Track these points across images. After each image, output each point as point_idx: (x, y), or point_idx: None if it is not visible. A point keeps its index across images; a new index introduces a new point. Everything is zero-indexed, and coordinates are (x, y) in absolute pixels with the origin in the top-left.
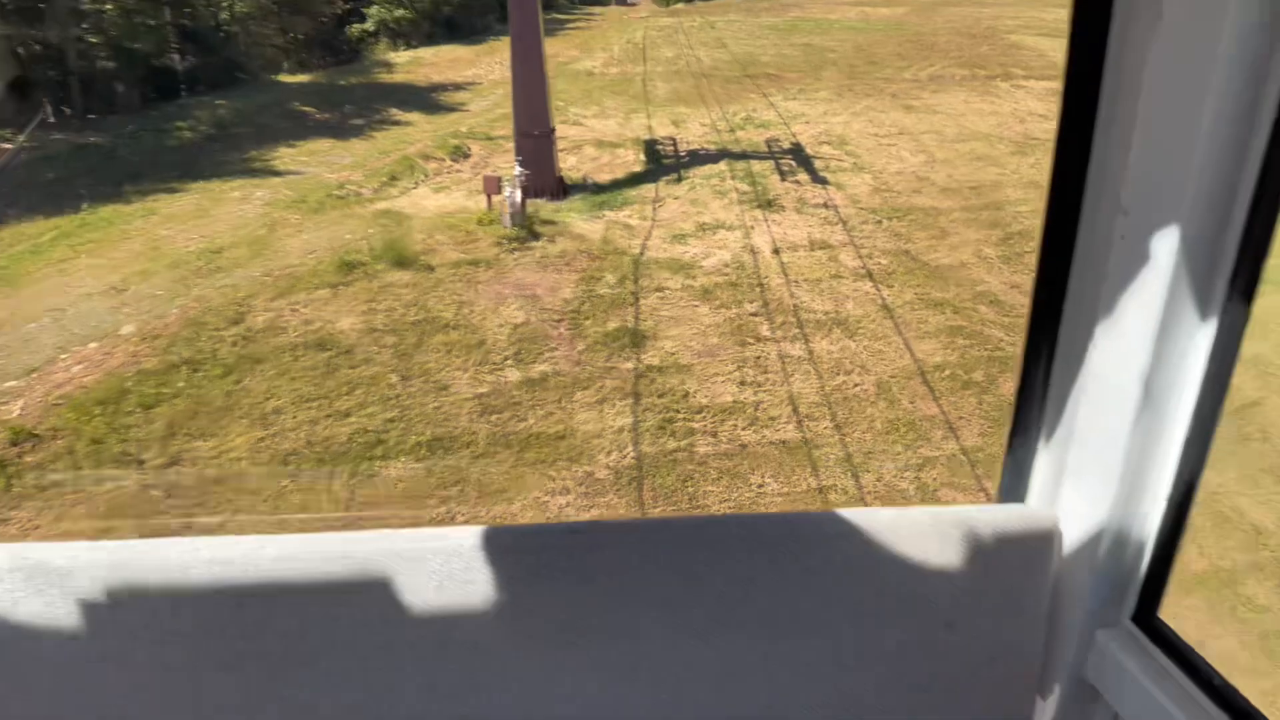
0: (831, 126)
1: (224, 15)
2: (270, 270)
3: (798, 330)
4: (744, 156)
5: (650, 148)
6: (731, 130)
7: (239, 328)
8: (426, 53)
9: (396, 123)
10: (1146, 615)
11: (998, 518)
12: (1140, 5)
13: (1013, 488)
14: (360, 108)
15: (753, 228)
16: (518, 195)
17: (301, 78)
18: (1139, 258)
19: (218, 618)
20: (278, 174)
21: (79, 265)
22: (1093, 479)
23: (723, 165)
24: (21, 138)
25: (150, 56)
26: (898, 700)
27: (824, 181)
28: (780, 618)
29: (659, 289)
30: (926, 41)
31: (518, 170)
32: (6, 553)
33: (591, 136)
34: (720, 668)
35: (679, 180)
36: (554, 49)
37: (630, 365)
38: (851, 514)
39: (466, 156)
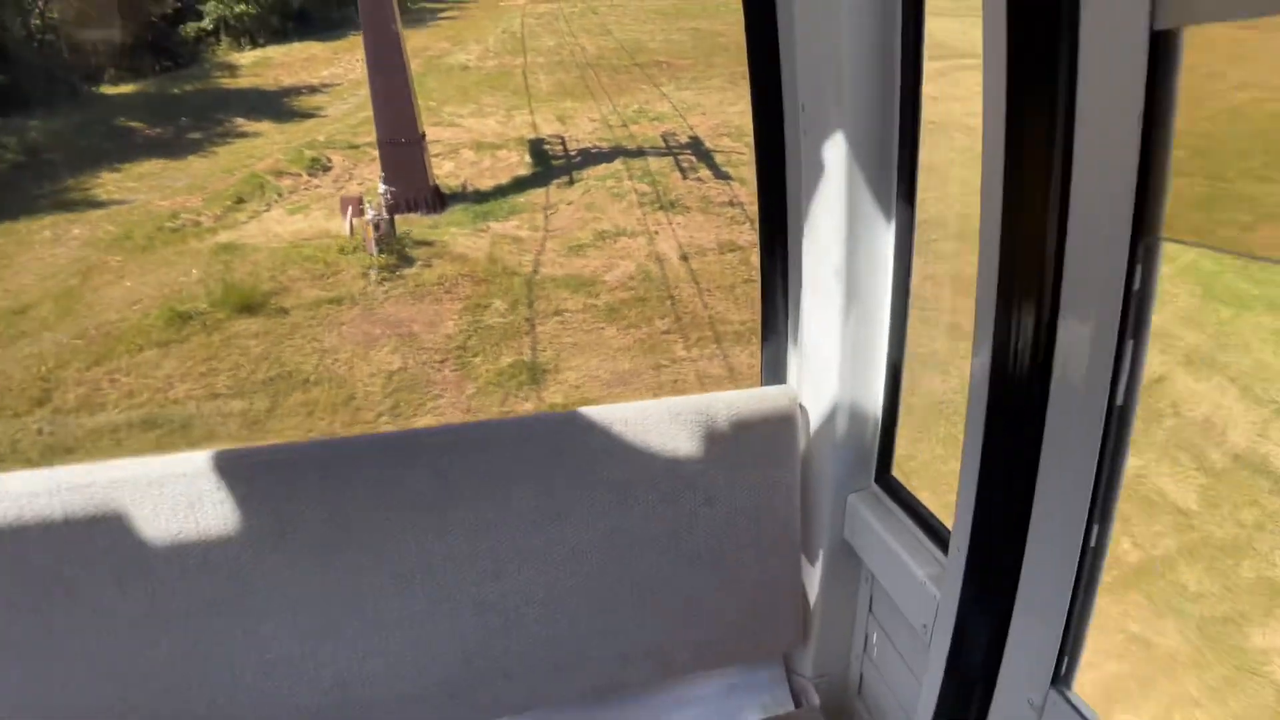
0: (729, 117)
1: (35, 23)
2: (84, 330)
3: (715, 346)
4: (640, 154)
5: (537, 148)
6: (624, 125)
7: (44, 410)
8: (276, 52)
9: (242, 134)
10: (884, 476)
11: (743, 400)
12: None
13: (769, 374)
14: (198, 119)
15: (657, 233)
16: (384, 215)
17: (127, 88)
18: (819, 163)
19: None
20: (98, 205)
21: None
22: (823, 362)
23: (618, 164)
24: None
25: None
26: (673, 574)
27: (727, 177)
28: (548, 510)
29: (558, 312)
30: None
31: (382, 187)
32: None
33: (470, 138)
34: (492, 562)
35: (571, 183)
36: (423, 42)
37: (530, 406)
38: (610, 409)
39: (327, 169)
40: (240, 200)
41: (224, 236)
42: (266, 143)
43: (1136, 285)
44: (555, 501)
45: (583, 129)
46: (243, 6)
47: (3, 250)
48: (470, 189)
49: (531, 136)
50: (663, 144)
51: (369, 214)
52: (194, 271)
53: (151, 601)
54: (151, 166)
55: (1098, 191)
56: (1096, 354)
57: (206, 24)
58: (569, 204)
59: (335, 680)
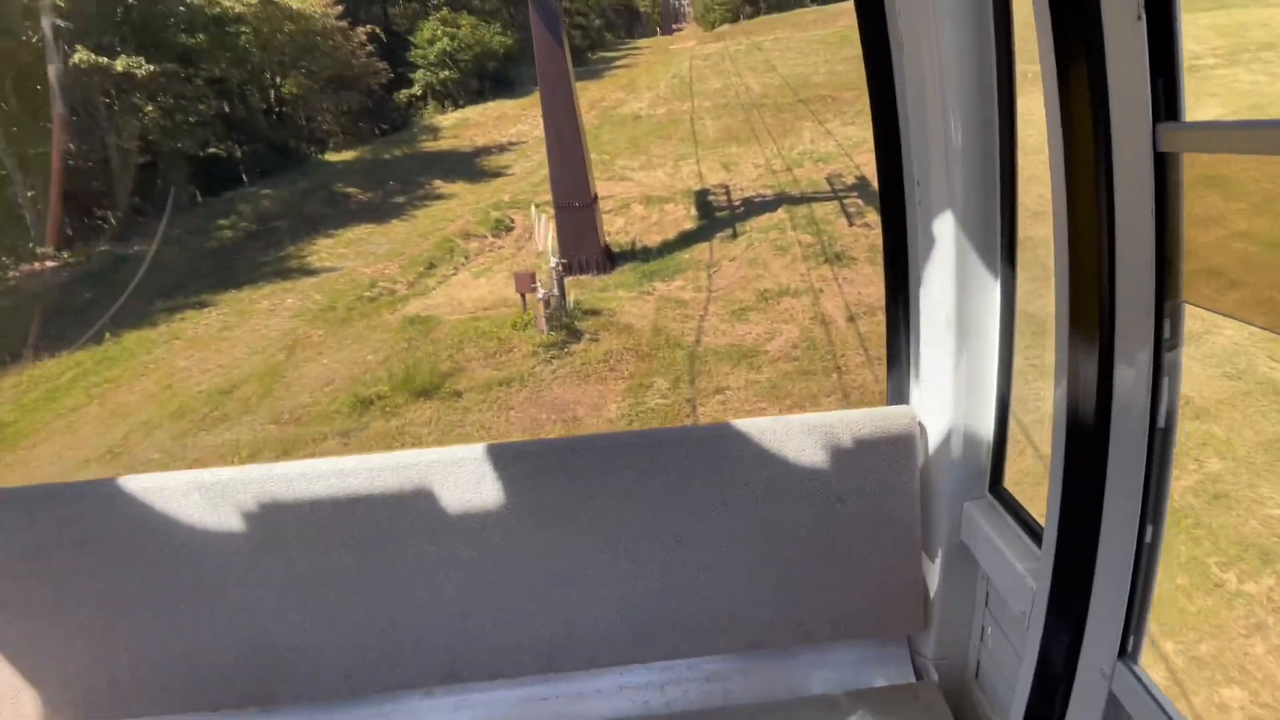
0: None
1: (273, 95)
2: (279, 414)
3: None
4: (804, 200)
5: (702, 199)
6: (788, 168)
7: None
8: (473, 112)
9: (439, 196)
10: (997, 487)
11: (870, 417)
12: (895, 35)
13: (893, 396)
14: (403, 183)
15: (822, 290)
16: (554, 291)
17: (348, 155)
18: (932, 229)
19: (315, 522)
20: (312, 273)
21: (88, 416)
22: (939, 389)
23: (781, 213)
24: (66, 254)
25: (198, 151)
26: (813, 558)
27: None
28: (714, 500)
29: (719, 390)
30: None
31: (553, 260)
32: (187, 477)
33: (639, 192)
34: (675, 538)
35: (734, 236)
36: (600, 93)
37: None
38: (759, 422)
39: (509, 229)
40: (431, 265)
41: (414, 306)
42: (459, 204)
43: (1166, 335)
44: (720, 493)
45: (747, 175)
46: (446, 73)
47: (226, 323)
48: (639, 246)
49: (697, 187)
50: (827, 187)
51: (540, 292)
52: (381, 350)
53: (449, 549)
54: (360, 232)
55: (1131, 265)
56: (1139, 388)
57: (416, 90)
58: (732, 260)
59: (564, 621)
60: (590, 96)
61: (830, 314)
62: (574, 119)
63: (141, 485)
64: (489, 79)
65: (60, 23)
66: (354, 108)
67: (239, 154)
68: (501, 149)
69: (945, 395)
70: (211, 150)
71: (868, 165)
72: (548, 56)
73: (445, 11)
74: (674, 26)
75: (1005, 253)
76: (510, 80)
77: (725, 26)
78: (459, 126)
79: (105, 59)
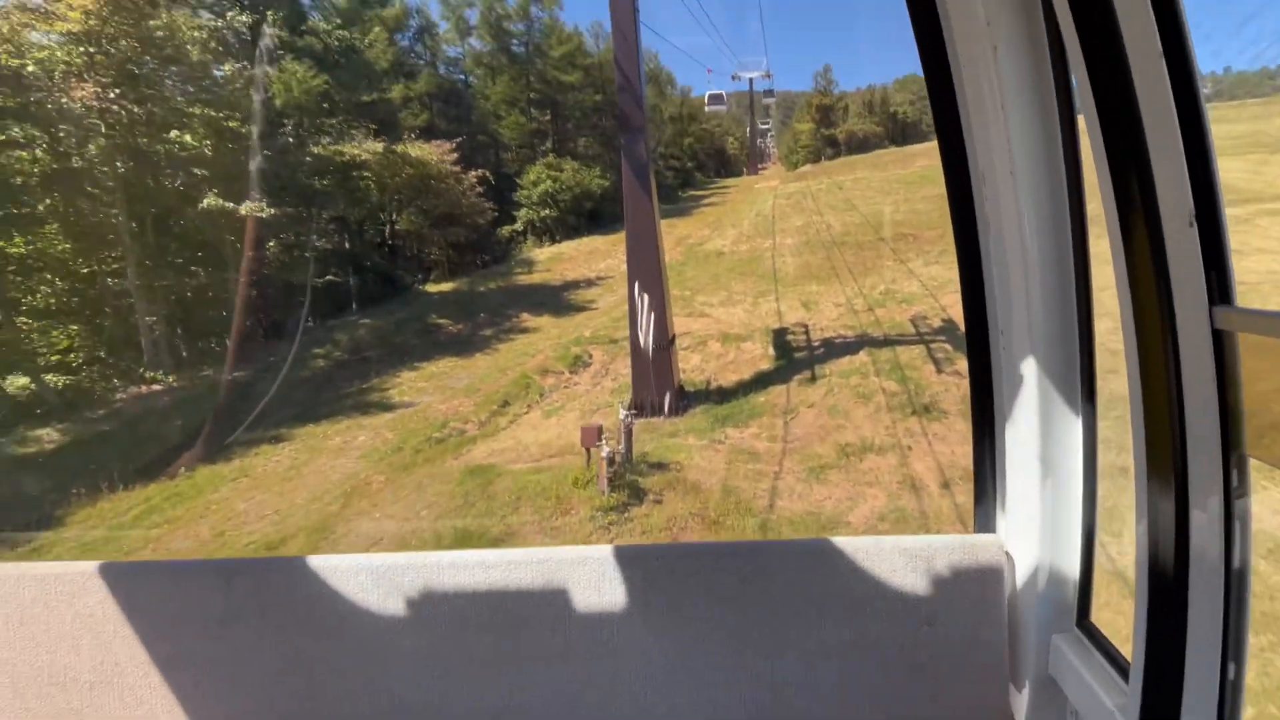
0: None
1: (386, 230)
2: None
3: None
4: (888, 342)
5: (780, 338)
6: (870, 308)
7: None
8: (568, 247)
9: (524, 330)
10: (1084, 622)
11: (959, 544)
12: (976, 171)
13: (980, 524)
14: (493, 315)
15: (910, 447)
16: (619, 448)
17: (446, 286)
18: (1017, 372)
19: (462, 613)
20: (389, 408)
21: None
22: (1026, 520)
23: (864, 356)
24: (172, 378)
25: (312, 281)
26: (897, 681)
27: None
28: (808, 612)
29: None
30: None
31: (623, 413)
32: (359, 560)
33: (717, 329)
34: (766, 646)
35: (813, 379)
36: (687, 229)
37: None
38: (853, 540)
39: (587, 365)
40: (505, 403)
41: (479, 451)
42: (541, 338)
43: (1234, 484)
44: (812, 605)
45: (827, 314)
46: (546, 211)
47: (295, 460)
48: (714, 385)
49: (776, 325)
50: (912, 330)
51: (605, 449)
52: (436, 506)
53: (567, 639)
54: (444, 365)
55: (1197, 423)
56: (1213, 532)
57: (518, 226)
58: (810, 406)
59: (668, 712)
60: (677, 233)
61: (921, 478)
62: (657, 261)
63: (321, 564)
64: (585, 216)
65: (198, 171)
66: (459, 241)
67: (350, 283)
68: (589, 283)
69: (1032, 527)
70: (326, 278)
71: (954, 307)
72: (635, 206)
73: (551, 157)
74: (759, 166)
75: (1086, 391)
76: (605, 216)
77: (807, 167)
78: (553, 260)
79: (231, 203)
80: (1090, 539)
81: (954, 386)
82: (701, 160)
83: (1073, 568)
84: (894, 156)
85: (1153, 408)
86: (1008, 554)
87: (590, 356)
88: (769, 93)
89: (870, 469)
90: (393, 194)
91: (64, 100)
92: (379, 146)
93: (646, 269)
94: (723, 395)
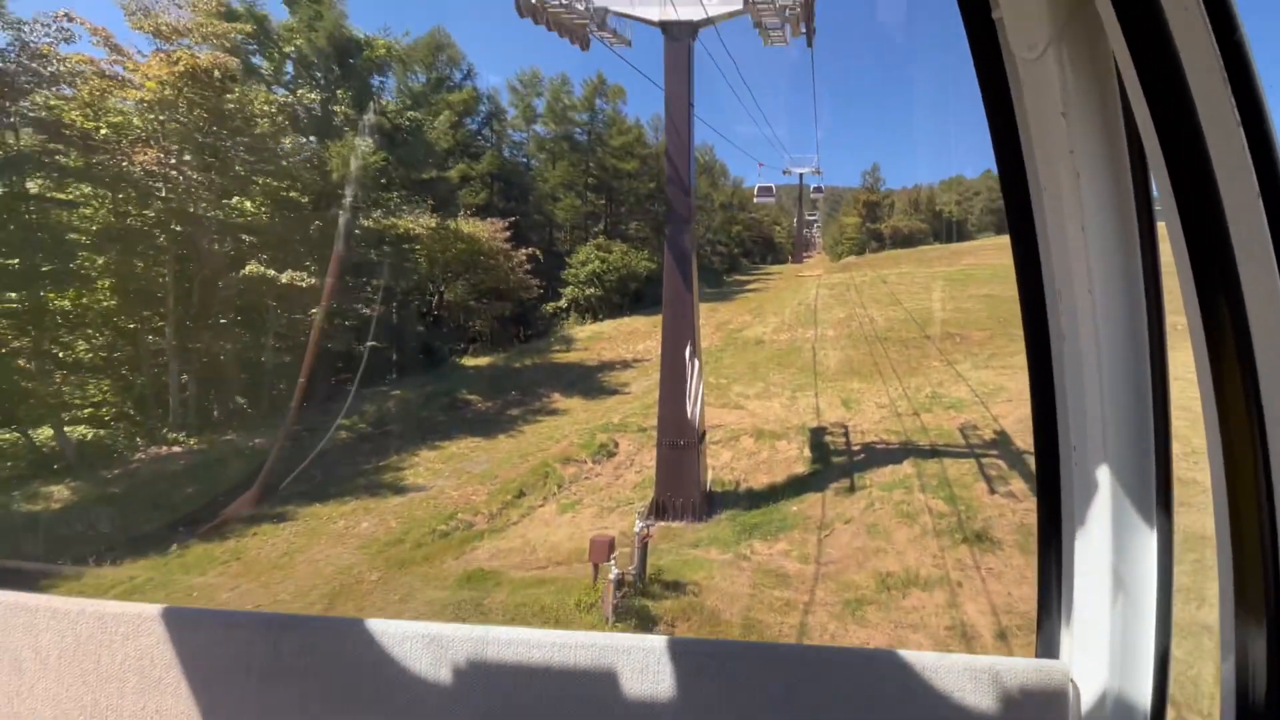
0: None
1: (433, 301)
2: None
3: None
4: (934, 453)
5: (818, 439)
6: (915, 413)
7: None
8: (608, 326)
9: (553, 411)
10: None
11: (1022, 668)
12: (1050, 283)
13: (1043, 648)
14: (523, 394)
15: (960, 583)
16: (630, 569)
17: (483, 360)
18: (1089, 485)
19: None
20: (400, 491)
21: None
22: (1094, 645)
23: (908, 467)
24: (193, 440)
25: (352, 349)
26: None
27: None
28: None
29: None
30: None
31: (639, 524)
32: (411, 627)
33: (751, 423)
34: None
35: (852, 490)
36: (728, 315)
37: None
38: (912, 655)
39: (611, 455)
40: (520, 494)
41: (483, 550)
42: (569, 422)
43: None
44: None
45: (868, 416)
46: (592, 290)
47: (291, 546)
48: (744, 487)
49: (814, 424)
50: (961, 441)
51: (614, 570)
52: (425, 615)
53: None
54: (465, 446)
55: None
56: None
57: (563, 303)
58: (847, 522)
59: None
60: (719, 318)
61: (973, 623)
62: (691, 352)
63: (371, 628)
64: (630, 296)
65: (247, 238)
66: (504, 315)
67: (391, 353)
68: (625, 365)
69: (1100, 652)
70: (368, 344)
71: (1007, 418)
72: (674, 298)
73: (602, 239)
74: (804, 255)
75: (1162, 511)
76: (649, 297)
77: (851, 258)
78: (592, 339)
79: (273, 270)
80: (1165, 664)
81: (1008, 511)
82: (748, 246)
83: (1144, 697)
84: (938, 253)
85: (1242, 528)
86: (1073, 682)
87: (616, 445)
88: (818, 189)
89: (914, 607)
90: (443, 267)
91: (125, 164)
92: (432, 221)
93: (680, 364)
94: (753, 499)
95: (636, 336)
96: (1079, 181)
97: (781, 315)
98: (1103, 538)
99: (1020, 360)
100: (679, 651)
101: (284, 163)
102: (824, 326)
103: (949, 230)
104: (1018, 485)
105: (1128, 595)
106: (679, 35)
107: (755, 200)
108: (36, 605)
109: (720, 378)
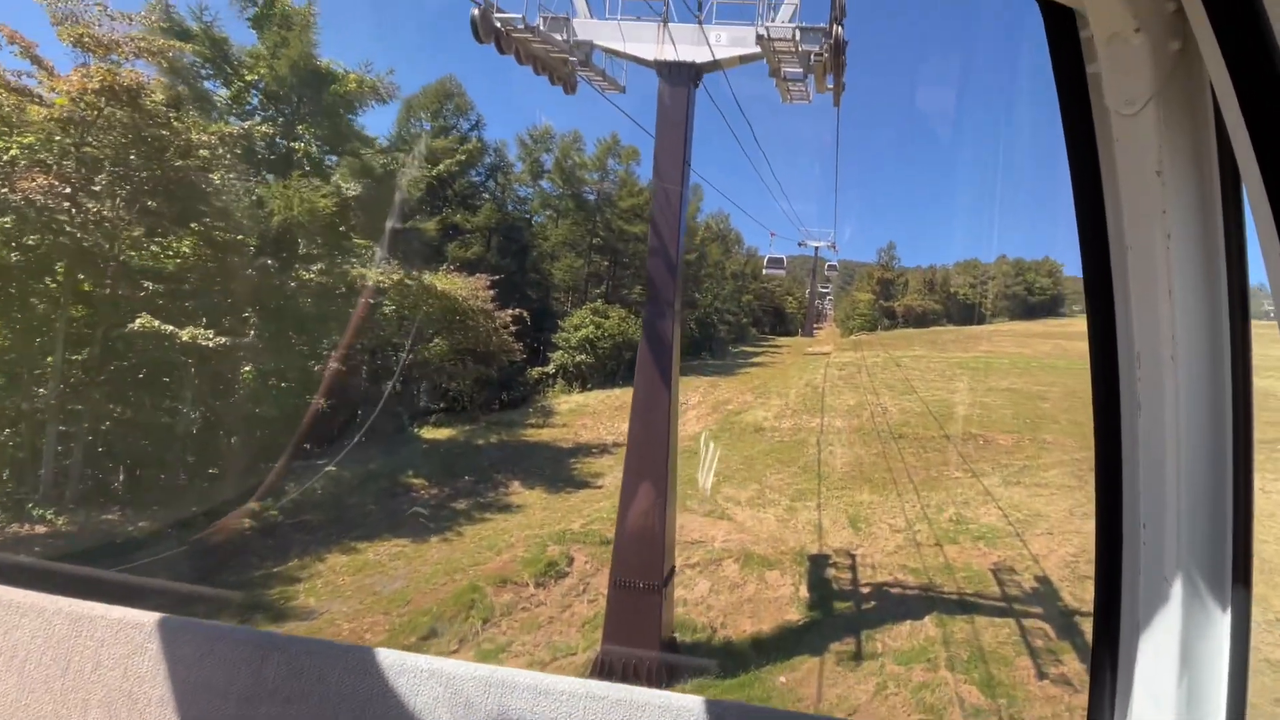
0: (1088, 540)
1: (402, 362)
2: None
3: None
4: (964, 606)
5: (818, 572)
6: (937, 543)
7: None
8: (595, 398)
9: (506, 507)
10: None
11: None
12: (1130, 399)
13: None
14: (479, 480)
15: None
16: None
17: (444, 432)
18: (1160, 572)
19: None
20: (282, 615)
21: None
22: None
23: (931, 626)
24: (62, 520)
25: (286, 413)
26: None
27: None
28: None
29: None
30: None
31: None
32: (410, 659)
33: (739, 541)
34: None
35: (858, 657)
36: (729, 392)
37: None
38: None
39: (561, 576)
40: (431, 633)
41: None
42: (521, 524)
43: None
44: None
45: (881, 543)
46: (583, 357)
47: None
48: (718, 638)
49: (814, 549)
50: (995, 589)
51: None
52: None
53: None
54: (388, 550)
55: None
56: None
57: (550, 368)
58: (852, 714)
59: None
60: (718, 395)
61: None
62: (664, 464)
63: (371, 657)
64: (624, 364)
65: (150, 284)
66: (483, 378)
67: (342, 417)
68: (603, 449)
69: None
70: (310, 409)
71: (1049, 559)
72: (647, 400)
73: (600, 303)
74: (815, 327)
75: (1239, 586)
76: None
77: (863, 334)
78: (574, 413)
79: (171, 327)
80: None
81: (1062, 707)
82: (758, 316)
83: None
84: (952, 336)
85: None
86: None
87: (570, 562)
88: (832, 266)
89: None
90: (415, 324)
91: (5, 190)
92: (396, 274)
93: (642, 490)
94: (728, 658)
95: (623, 413)
96: (1169, 243)
97: (786, 397)
98: (1169, 634)
99: (1058, 480)
100: (717, 712)
101: (217, 202)
102: (832, 414)
103: (962, 313)
104: (1072, 665)
105: (1195, 691)
106: (677, 80)
107: (765, 271)
108: (10, 600)
109: (710, 475)
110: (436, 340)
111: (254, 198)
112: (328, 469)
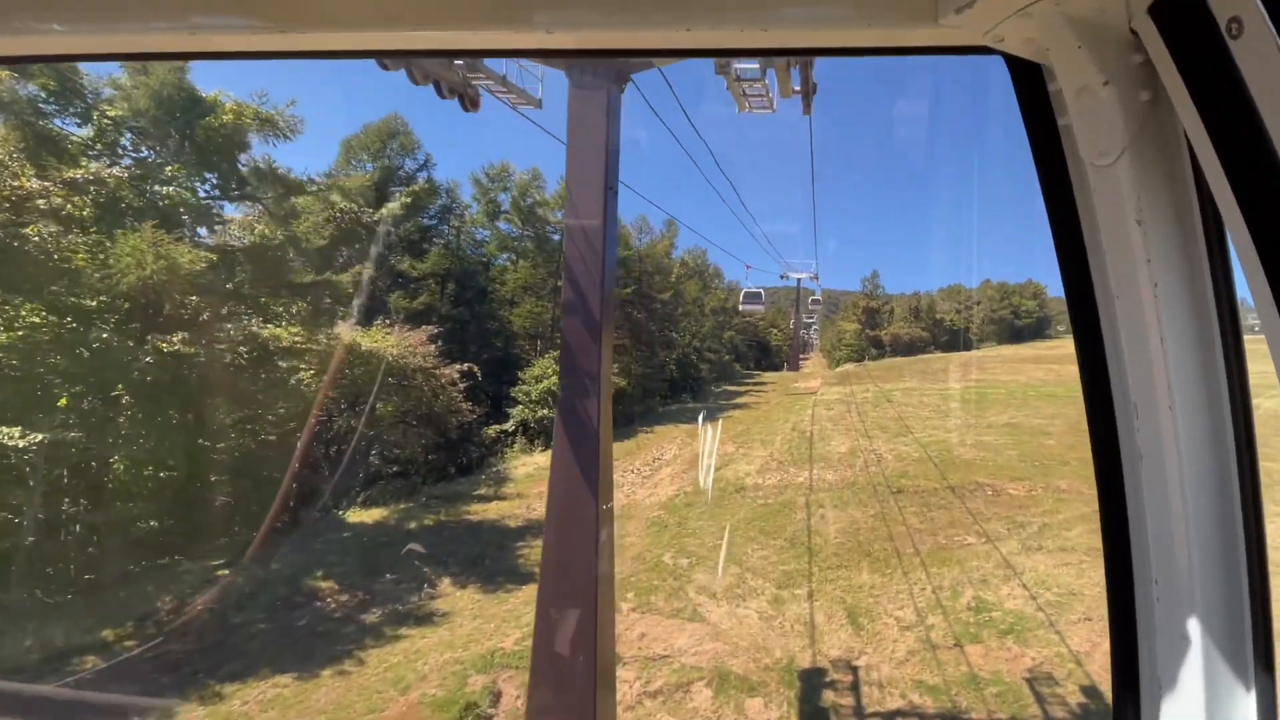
0: None
1: (338, 431)
2: None
3: None
4: None
5: (811, 694)
6: (956, 643)
7: None
8: (546, 458)
9: (428, 617)
10: None
11: None
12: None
13: None
14: (403, 577)
15: None
16: None
17: (374, 514)
18: (1178, 631)
19: None
20: None
21: None
22: None
23: None
24: None
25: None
26: None
27: None
28: None
29: None
30: None
31: None
32: None
33: (712, 654)
34: None
35: None
36: (708, 444)
37: None
38: None
39: None
40: None
41: None
42: (441, 642)
43: None
44: None
45: (889, 649)
46: (545, 410)
47: None
48: None
49: (806, 662)
50: (1037, 712)
51: None
52: None
53: None
54: (258, 697)
55: None
56: None
57: (509, 425)
58: None
59: None
60: (697, 448)
61: None
62: (589, 601)
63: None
64: None
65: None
66: (430, 444)
67: (247, 505)
68: None
69: None
70: (215, 501)
71: (1093, 657)
72: (565, 504)
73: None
74: (800, 359)
75: (1260, 656)
76: (618, 418)
77: (850, 365)
78: (531, 479)
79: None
80: None
81: None
82: (742, 351)
83: None
84: (942, 364)
85: None
86: None
87: (495, 700)
88: (815, 301)
89: None
90: (339, 389)
91: None
92: (295, 331)
93: (560, 633)
94: None
95: None
96: (1156, 290)
97: (771, 446)
98: (1192, 696)
99: (1083, 540)
100: None
101: (61, 263)
102: (822, 465)
103: (948, 339)
104: None
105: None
106: (592, 82)
107: (742, 308)
108: None
109: (680, 556)
110: (379, 406)
111: (102, 256)
112: (219, 573)
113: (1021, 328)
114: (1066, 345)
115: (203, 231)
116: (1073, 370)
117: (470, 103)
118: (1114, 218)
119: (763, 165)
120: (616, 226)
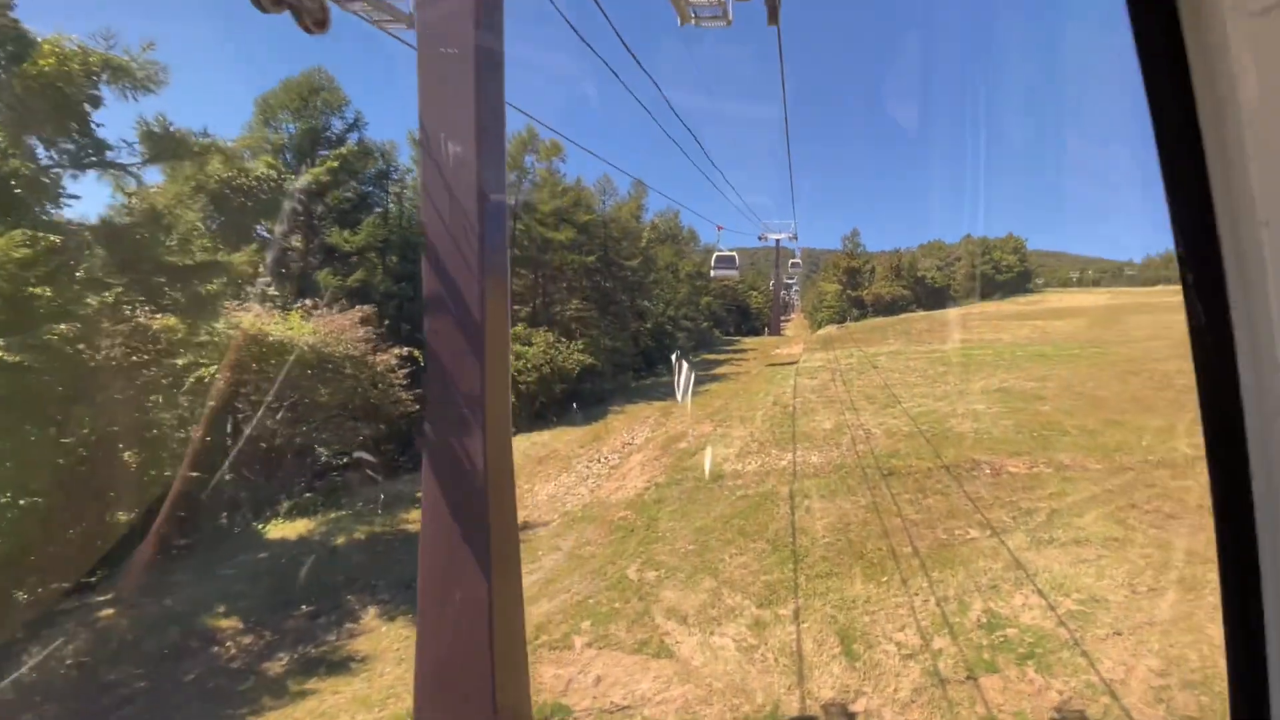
0: (1182, 647)
1: (265, 432)
2: None
3: None
4: None
5: None
6: (969, 674)
7: None
8: (522, 443)
9: (345, 662)
10: None
11: None
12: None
13: None
14: (321, 608)
15: None
16: None
17: (298, 527)
18: None
19: None
20: None
21: None
22: None
23: None
24: None
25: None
26: None
27: None
28: None
29: None
30: (1156, 369)
31: None
32: None
33: (680, 701)
34: None
35: None
36: (683, 423)
37: None
38: None
39: None
40: None
41: None
42: (356, 698)
43: None
44: None
45: (891, 685)
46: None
47: None
48: None
49: (793, 709)
50: None
51: None
52: None
53: None
54: None
55: None
56: None
57: None
58: None
59: None
60: (671, 428)
61: None
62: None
63: None
64: (555, 402)
65: None
66: (376, 438)
67: (147, 524)
68: (523, 525)
69: None
70: (110, 517)
71: (1128, 684)
72: (435, 539)
73: (521, 327)
74: (781, 321)
75: None
76: (586, 397)
77: (832, 327)
78: None
79: None
80: None
81: None
82: (720, 316)
83: None
84: (925, 323)
85: None
86: None
87: None
88: (795, 264)
89: None
90: (248, 384)
91: None
92: (171, 321)
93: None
94: None
95: (545, 468)
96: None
97: (751, 423)
98: None
99: (1098, 528)
100: None
101: None
102: (806, 446)
103: (930, 297)
104: None
105: None
106: None
107: (713, 273)
108: None
109: (647, 568)
110: (307, 400)
111: None
112: (100, 612)
113: (1002, 282)
114: (1048, 299)
115: (51, 207)
116: (1056, 327)
117: (315, 23)
118: (1268, 94)
119: (736, 114)
120: (503, 180)
